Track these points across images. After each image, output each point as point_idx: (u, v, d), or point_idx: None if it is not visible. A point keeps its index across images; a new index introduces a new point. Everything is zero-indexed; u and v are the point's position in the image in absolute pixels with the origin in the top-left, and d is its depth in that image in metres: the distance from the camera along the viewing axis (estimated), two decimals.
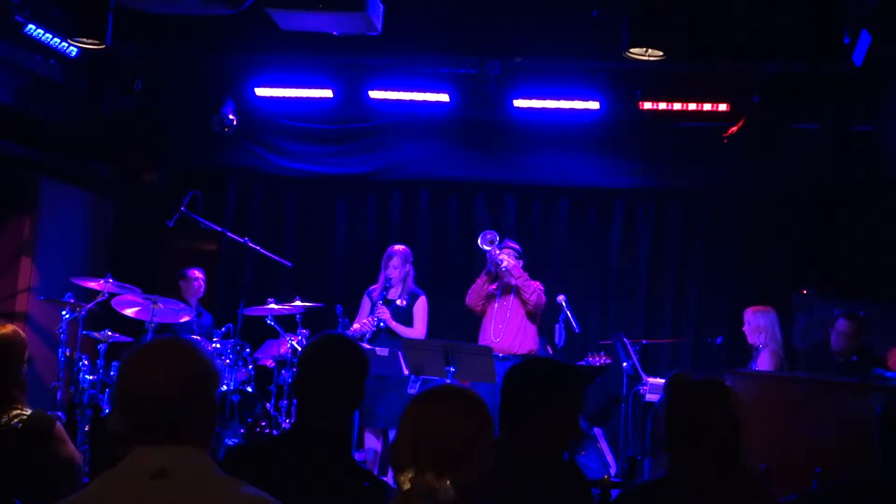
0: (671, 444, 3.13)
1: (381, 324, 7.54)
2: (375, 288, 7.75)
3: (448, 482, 2.14)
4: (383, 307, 7.58)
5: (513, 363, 7.36)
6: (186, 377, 2.25)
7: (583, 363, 7.79)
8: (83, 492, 2.23)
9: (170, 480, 2.12)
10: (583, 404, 3.31)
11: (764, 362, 7.23)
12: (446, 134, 9.31)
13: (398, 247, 7.85)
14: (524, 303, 7.61)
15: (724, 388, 3.24)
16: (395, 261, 7.70)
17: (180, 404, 2.21)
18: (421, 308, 7.68)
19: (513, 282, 7.62)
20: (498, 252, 7.60)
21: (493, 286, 7.73)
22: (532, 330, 7.71)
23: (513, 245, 7.82)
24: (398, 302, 7.67)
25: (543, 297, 7.67)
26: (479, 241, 7.64)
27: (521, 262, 7.74)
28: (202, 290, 8.85)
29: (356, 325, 7.61)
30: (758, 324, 7.35)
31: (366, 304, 7.77)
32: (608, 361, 7.73)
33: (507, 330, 7.62)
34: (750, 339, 7.43)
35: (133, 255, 9.69)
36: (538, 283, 7.73)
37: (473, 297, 7.79)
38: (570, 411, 3.23)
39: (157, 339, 2.70)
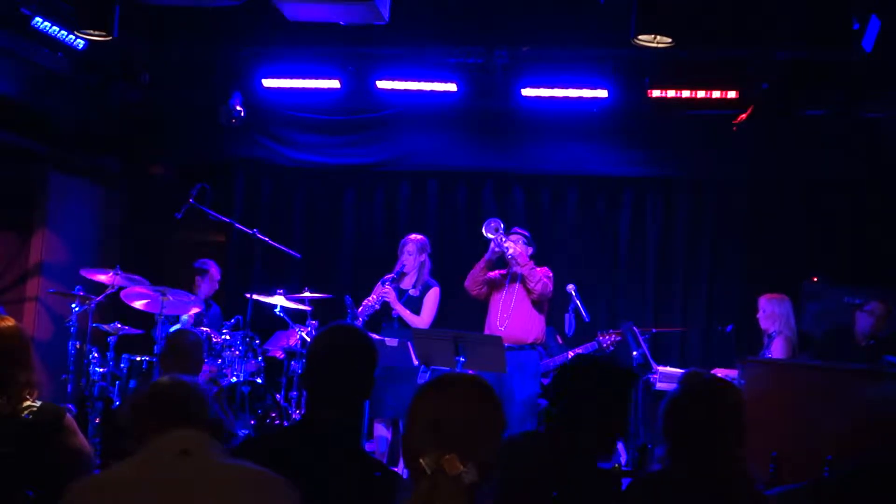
0: (672, 437, 3.15)
1: (381, 304, 7.54)
2: (390, 276, 7.73)
3: (470, 464, 2.16)
4: (389, 287, 7.57)
5: (518, 352, 7.39)
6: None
7: (593, 343, 7.78)
8: (120, 465, 2.47)
9: (193, 457, 2.40)
10: (629, 409, 3.29)
11: (777, 349, 7.23)
12: (454, 124, 9.29)
13: (414, 235, 7.85)
14: (529, 291, 7.58)
15: (732, 389, 3.26)
16: (410, 247, 7.69)
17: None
18: (431, 298, 7.67)
19: (518, 270, 7.60)
20: (503, 239, 7.57)
21: (497, 273, 7.69)
22: (539, 319, 7.68)
23: (521, 232, 7.79)
24: (411, 292, 7.66)
25: (550, 285, 7.63)
26: (483, 229, 7.62)
27: (530, 250, 7.70)
28: (217, 288, 8.85)
29: (361, 308, 7.60)
30: (772, 311, 7.36)
31: (377, 288, 7.75)
32: (618, 339, 7.71)
33: (513, 318, 7.58)
34: (763, 326, 7.43)
35: (141, 247, 9.71)
36: (545, 269, 7.70)
37: (470, 281, 7.77)
38: (619, 415, 3.23)
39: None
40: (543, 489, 2.98)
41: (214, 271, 8.72)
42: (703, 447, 3.09)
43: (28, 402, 3.72)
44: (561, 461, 3.09)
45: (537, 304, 7.64)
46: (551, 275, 7.69)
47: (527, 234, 7.81)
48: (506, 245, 7.55)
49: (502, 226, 7.61)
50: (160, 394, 2.99)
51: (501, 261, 7.68)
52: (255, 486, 2.41)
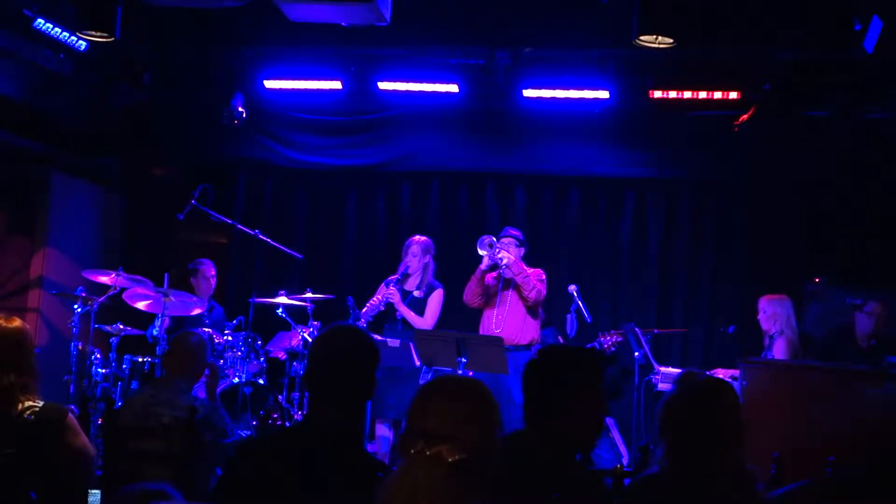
0: (670, 437, 3.15)
1: (385, 305, 7.54)
2: (394, 277, 7.72)
3: (454, 443, 2.19)
4: (394, 288, 7.55)
5: (513, 353, 7.38)
6: None
7: (594, 344, 7.77)
8: None
9: None
10: (600, 400, 3.20)
11: (780, 350, 7.23)
12: (456, 125, 9.29)
13: (418, 237, 7.83)
14: (524, 298, 7.57)
15: (727, 388, 3.26)
16: (414, 249, 7.68)
17: None
18: (435, 300, 7.66)
19: (511, 276, 7.58)
20: (497, 251, 7.55)
21: (491, 278, 7.67)
22: (533, 321, 7.66)
23: (514, 233, 7.76)
24: (415, 293, 7.65)
25: (544, 290, 7.61)
26: (477, 247, 7.59)
27: (522, 251, 7.69)
28: (214, 286, 8.82)
29: (366, 308, 7.59)
30: (773, 311, 7.37)
31: (381, 289, 7.74)
32: (619, 340, 7.70)
33: (508, 321, 7.56)
34: (764, 327, 7.43)
35: (144, 248, 9.71)
36: (538, 271, 7.67)
37: (469, 295, 7.74)
38: (583, 406, 3.16)
39: None
40: (525, 487, 2.97)
41: (206, 269, 8.68)
42: (699, 447, 3.10)
43: (31, 402, 3.73)
44: (539, 457, 3.08)
45: (531, 309, 7.63)
46: (544, 277, 7.68)
47: (519, 235, 7.78)
48: (499, 256, 7.53)
49: (495, 240, 7.59)
50: None
51: (495, 265, 7.67)
52: None
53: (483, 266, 7.62)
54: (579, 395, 3.14)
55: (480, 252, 7.56)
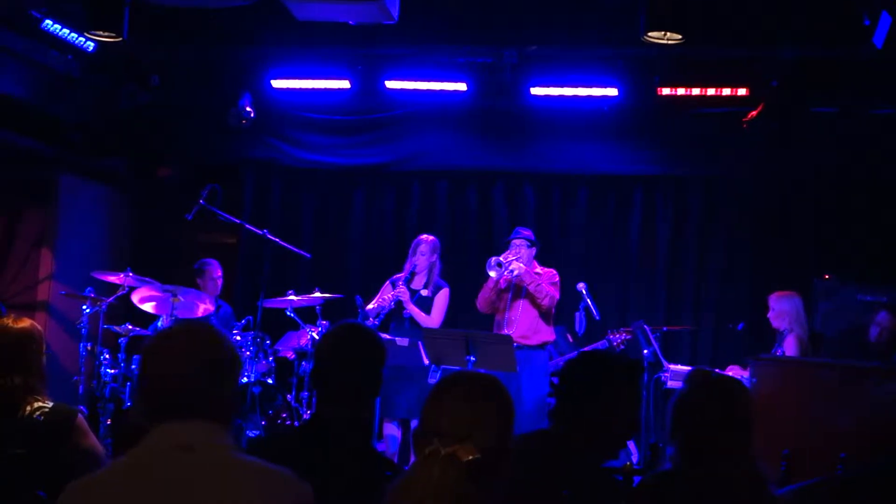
0: (678, 435, 3.14)
1: (395, 304, 7.53)
2: (400, 276, 7.71)
3: (467, 444, 2.18)
4: (404, 287, 7.54)
5: (527, 351, 7.36)
6: (207, 354, 2.43)
7: (603, 342, 7.75)
8: (111, 465, 2.42)
9: (195, 454, 2.31)
10: (633, 411, 3.19)
11: (790, 347, 7.20)
12: (464, 123, 9.28)
13: (427, 236, 7.81)
14: (537, 305, 7.53)
15: (739, 386, 3.25)
16: (423, 248, 7.66)
17: (203, 379, 2.40)
18: (441, 298, 7.65)
19: (523, 283, 7.53)
20: (507, 267, 7.47)
21: (504, 282, 7.63)
22: (545, 324, 7.62)
23: (525, 233, 7.71)
24: (422, 292, 7.63)
25: (557, 293, 7.55)
26: (486, 270, 7.53)
27: (534, 251, 7.65)
28: (220, 286, 8.81)
29: (372, 305, 7.57)
30: (782, 308, 7.34)
31: (386, 287, 7.73)
32: (628, 338, 7.69)
33: (520, 323, 7.53)
34: (774, 324, 7.40)
35: (152, 248, 9.73)
36: (551, 272, 7.63)
37: (484, 303, 7.68)
38: (625, 412, 3.16)
39: (176, 322, 2.88)
40: (548, 489, 2.97)
41: (212, 269, 8.68)
42: (710, 445, 3.08)
43: (39, 403, 3.73)
44: (564, 460, 3.07)
45: (545, 314, 7.59)
46: (557, 280, 7.62)
47: (530, 235, 7.71)
48: (510, 269, 7.48)
49: (501, 258, 7.53)
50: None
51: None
52: (260, 487, 2.31)
53: (494, 278, 7.57)
54: (614, 402, 3.14)
55: (490, 274, 7.50)
